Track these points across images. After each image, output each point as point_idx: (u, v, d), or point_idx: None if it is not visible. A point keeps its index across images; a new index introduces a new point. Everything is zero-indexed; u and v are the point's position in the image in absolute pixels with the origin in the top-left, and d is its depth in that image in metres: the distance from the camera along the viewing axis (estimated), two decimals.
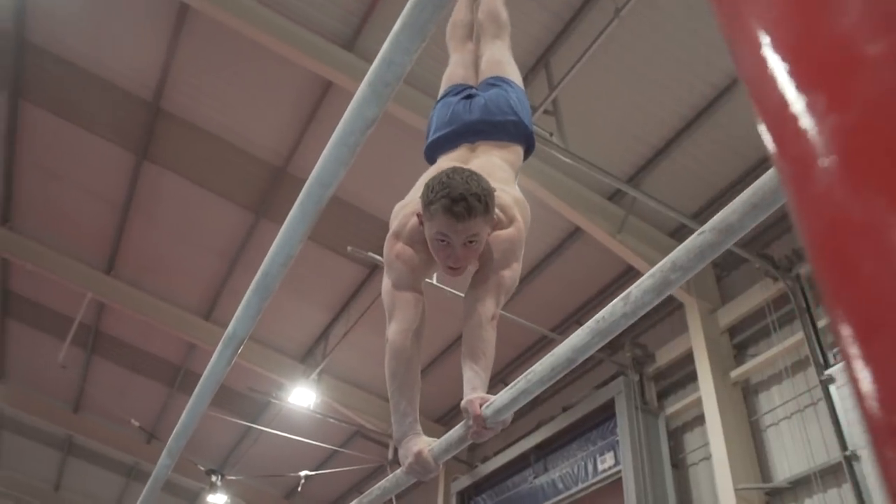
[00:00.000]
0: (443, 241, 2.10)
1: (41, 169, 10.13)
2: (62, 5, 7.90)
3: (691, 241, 1.57)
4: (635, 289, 1.62)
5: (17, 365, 14.62)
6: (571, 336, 1.75)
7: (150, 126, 9.02)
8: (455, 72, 3.05)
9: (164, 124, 9.04)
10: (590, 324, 1.71)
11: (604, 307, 1.66)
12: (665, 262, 1.60)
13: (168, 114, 8.92)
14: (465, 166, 2.27)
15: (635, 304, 1.62)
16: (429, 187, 2.11)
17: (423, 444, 2.05)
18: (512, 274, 2.25)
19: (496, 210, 2.21)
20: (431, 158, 2.68)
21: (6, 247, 10.66)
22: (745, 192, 1.45)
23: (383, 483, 2.39)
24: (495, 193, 2.17)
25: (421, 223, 2.18)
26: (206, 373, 2.41)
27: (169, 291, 11.31)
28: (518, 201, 2.37)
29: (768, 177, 1.39)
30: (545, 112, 6.89)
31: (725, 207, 1.50)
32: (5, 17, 7.94)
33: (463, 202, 2.03)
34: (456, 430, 2.00)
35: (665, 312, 9.06)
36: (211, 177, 9.52)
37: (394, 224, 2.36)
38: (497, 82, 2.81)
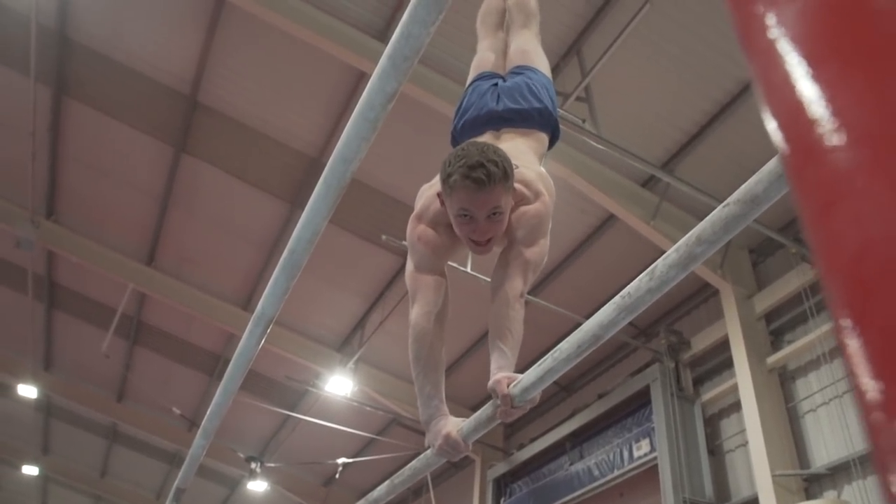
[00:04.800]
0: (465, 215, 2.06)
1: (83, 163, 10.37)
2: (102, 1, 8.07)
3: (716, 214, 1.57)
4: (661, 263, 1.61)
5: (62, 354, 14.99)
6: (598, 312, 1.73)
7: (188, 119, 9.18)
8: (485, 58, 3.04)
9: (201, 117, 9.19)
10: (616, 300, 1.69)
11: None
12: (690, 236, 1.60)
13: (205, 107, 9.06)
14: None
15: (661, 279, 1.61)
16: (446, 162, 2.08)
17: (452, 425, 2.04)
18: (540, 250, 2.20)
19: (520, 186, 2.19)
20: (457, 144, 2.68)
21: (51, 240, 10.92)
22: (769, 161, 1.44)
23: (414, 463, 2.38)
24: (518, 170, 2.15)
25: (442, 203, 2.15)
26: (237, 352, 2.46)
27: (208, 282, 11.51)
28: (542, 176, 2.35)
29: None
30: (578, 99, 6.85)
31: (750, 178, 1.49)
32: (49, 14, 8.12)
33: (481, 168, 1.98)
34: (484, 410, 1.98)
35: (701, 299, 8.97)
36: (248, 168, 9.66)
37: (417, 205, 2.35)
38: (523, 71, 2.80)
